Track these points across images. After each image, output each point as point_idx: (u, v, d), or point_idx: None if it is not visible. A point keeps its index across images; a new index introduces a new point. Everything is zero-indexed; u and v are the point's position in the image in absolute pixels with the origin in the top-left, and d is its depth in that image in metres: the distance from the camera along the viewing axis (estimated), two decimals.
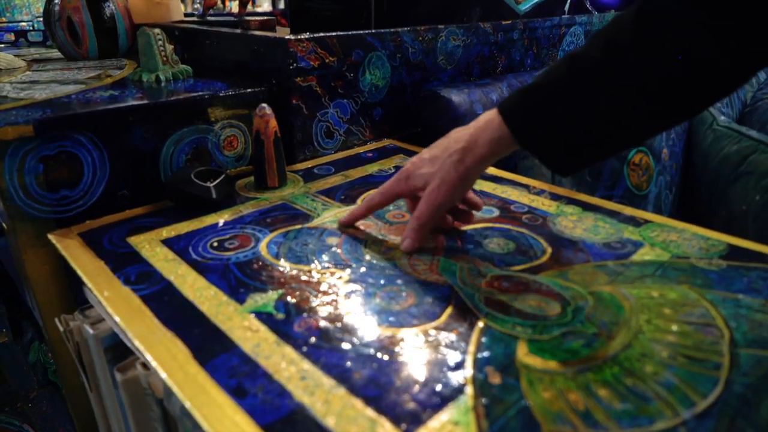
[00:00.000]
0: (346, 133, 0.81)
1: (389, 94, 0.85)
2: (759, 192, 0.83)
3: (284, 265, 0.47)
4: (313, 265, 0.47)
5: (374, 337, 0.37)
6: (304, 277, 0.45)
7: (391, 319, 0.39)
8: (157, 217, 0.58)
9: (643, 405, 0.31)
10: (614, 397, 0.31)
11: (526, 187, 0.66)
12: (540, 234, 0.53)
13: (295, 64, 0.71)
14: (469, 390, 0.32)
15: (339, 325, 0.39)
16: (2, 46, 1.30)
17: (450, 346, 0.36)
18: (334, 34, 0.74)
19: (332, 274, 0.46)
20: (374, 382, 0.33)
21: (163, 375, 0.34)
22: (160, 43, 0.75)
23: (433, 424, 0.30)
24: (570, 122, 0.44)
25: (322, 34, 0.73)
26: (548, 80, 0.45)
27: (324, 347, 0.36)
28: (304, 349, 0.36)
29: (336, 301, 0.42)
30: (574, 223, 0.55)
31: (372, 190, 0.64)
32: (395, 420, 0.30)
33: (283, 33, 0.76)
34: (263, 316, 0.40)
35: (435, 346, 0.36)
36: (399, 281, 0.44)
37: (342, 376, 0.33)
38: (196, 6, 2.66)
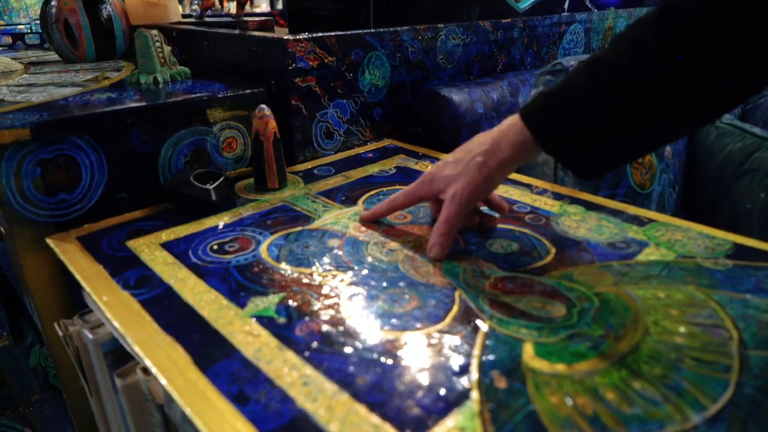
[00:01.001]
0: (346, 134, 0.81)
1: (389, 94, 0.84)
2: (764, 189, 0.82)
3: (285, 268, 0.46)
4: (314, 268, 0.46)
5: (377, 341, 0.36)
6: (305, 280, 0.44)
7: (394, 322, 0.39)
8: (157, 220, 0.57)
9: (652, 409, 0.30)
10: (623, 401, 0.31)
11: (529, 186, 0.65)
12: (543, 234, 0.52)
13: (293, 65, 0.71)
14: (475, 395, 0.31)
15: (341, 329, 0.38)
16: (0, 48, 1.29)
17: (454, 349, 0.36)
18: (332, 33, 0.74)
19: (334, 276, 0.45)
20: (378, 388, 0.32)
21: (164, 381, 0.33)
22: (157, 44, 0.75)
23: (438, 430, 0.29)
24: (593, 126, 0.44)
25: (320, 34, 0.73)
26: (570, 84, 0.45)
27: (326, 352, 0.36)
28: (306, 353, 0.35)
29: (338, 304, 0.41)
30: (577, 223, 0.54)
31: (374, 191, 0.63)
32: (400, 426, 0.29)
33: (282, 33, 0.75)
34: (264, 321, 0.39)
35: (439, 349, 0.36)
36: (401, 284, 0.44)
37: (345, 382, 0.33)
38: (193, 7, 2.65)
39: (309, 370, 0.34)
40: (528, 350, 0.35)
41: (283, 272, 0.46)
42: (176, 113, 0.64)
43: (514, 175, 0.69)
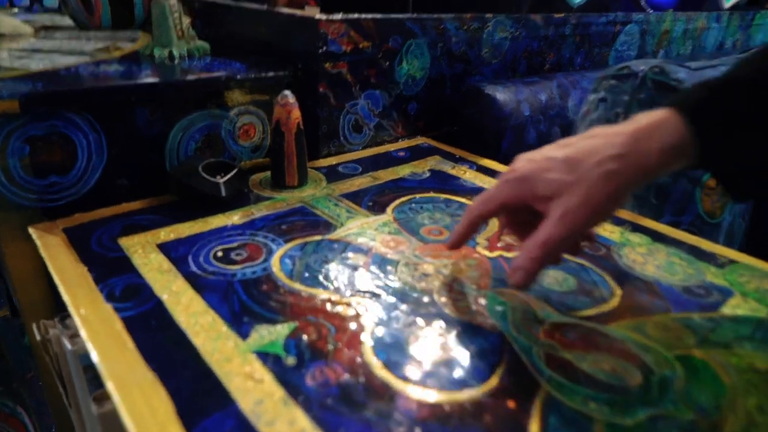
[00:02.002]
0: (377, 128, 0.73)
1: (427, 87, 0.76)
2: None
3: (299, 289, 0.39)
4: (333, 290, 0.39)
5: (408, 405, 0.29)
6: (322, 307, 0.37)
7: (430, 380, 0.31)
8: (157, 213, 0.50)
9: None
10: None
11: None
12: (604, 269, 0.44)
13: (324, 48, 0.63)
14: None
15: (362, 380, 0.31)
16: (17, 10, 1.23)
17: (505, 422, 0.28)
18: (370, 16, 0.66)
19: (358, 304, 0.38)
20: None
21: None
22: (175, 15, 0.67)
23: None
24: None
25: (356, 16, 0.65)
26: (747, 71, 0.35)
27: (343, 412, 0.28)
28: (318, 412, 0.28)
29: (361, 344, 0.34)
30: (644, 257, 0.46)
31: (405, 197, 0.56)
32: None
33: (313, 12, 0.68)
34: (269, 360, 0.32)
35: (485, 423, 0.28)
36: (437, 323, 0.36)
37: None
38: None
39: None
40: None
41: (296, 293, 0.39)
42: (190, 93, 0.57)
43: None
